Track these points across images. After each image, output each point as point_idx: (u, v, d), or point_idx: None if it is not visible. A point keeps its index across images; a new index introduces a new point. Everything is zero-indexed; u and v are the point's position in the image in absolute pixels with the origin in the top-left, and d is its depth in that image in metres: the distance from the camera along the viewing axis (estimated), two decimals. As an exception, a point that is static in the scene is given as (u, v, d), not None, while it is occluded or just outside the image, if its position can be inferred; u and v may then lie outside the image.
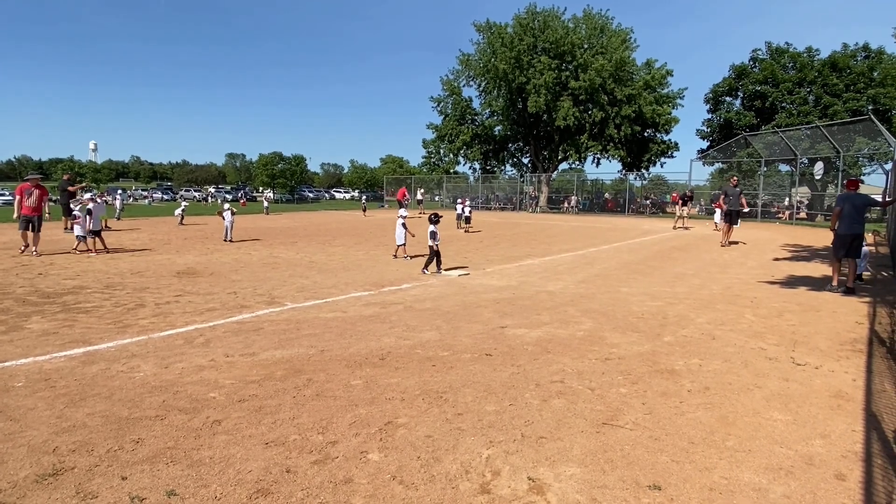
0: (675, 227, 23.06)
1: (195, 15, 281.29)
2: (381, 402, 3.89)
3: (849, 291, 8.51)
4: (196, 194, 63.73)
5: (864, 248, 9.52)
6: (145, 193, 59.15)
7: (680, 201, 24.69)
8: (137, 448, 3.15)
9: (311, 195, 62.83)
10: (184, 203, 25.23)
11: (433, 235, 9.98)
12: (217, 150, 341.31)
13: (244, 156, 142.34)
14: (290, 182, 67.71)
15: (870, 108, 32.38)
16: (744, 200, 17.10)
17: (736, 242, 16.52)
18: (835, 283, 8.89)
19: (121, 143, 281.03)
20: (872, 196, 9.92)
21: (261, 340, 5.41)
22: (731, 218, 16.03)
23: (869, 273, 10.67)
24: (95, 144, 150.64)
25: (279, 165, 68.55)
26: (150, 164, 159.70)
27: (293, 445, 3.21)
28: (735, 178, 18.07)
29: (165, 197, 58.61)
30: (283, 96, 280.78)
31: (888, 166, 26.16)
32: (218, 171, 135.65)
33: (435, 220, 10.32)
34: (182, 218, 21.72)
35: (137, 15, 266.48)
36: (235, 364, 4.67)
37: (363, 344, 5.34)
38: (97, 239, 12.05)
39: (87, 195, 13.17)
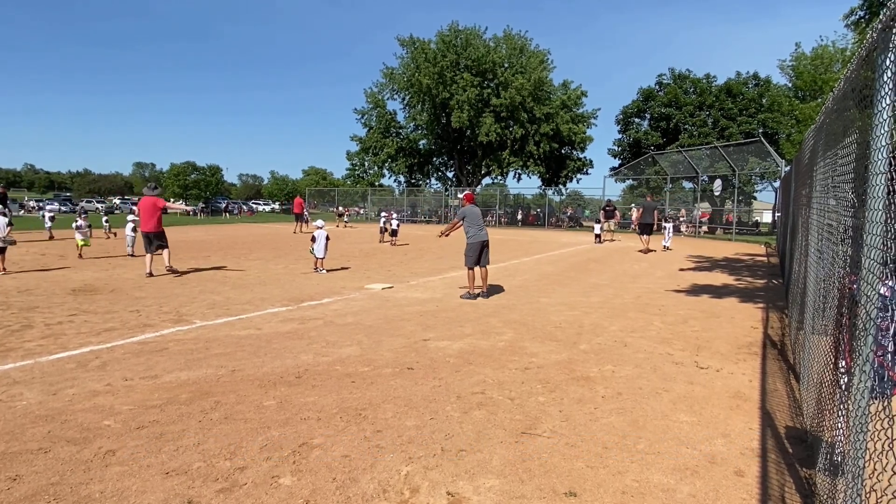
0: (603, 241, 23.97)
1: (98, 11, 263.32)
2: (296, 422, 3.71)
3: (649, 252, 17.65)
4: (99, 206, 59.24)
5: (670, 229, 20.82)
6: (40, 205, 54.15)
7: (603, 214, 25.67)
8: (14, 486, 2.81)
9: (244, 206, 59.93)
10: (79, 219, 21.96)
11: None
12: (124, 158, 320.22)
13: (154, 165, 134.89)
14: (205, 193, 64.57)
15: (760, 130, 35.59)
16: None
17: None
18: (645, 248, 18.00)
19: (11, 149, 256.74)
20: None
21: (165, 362, 5.03)
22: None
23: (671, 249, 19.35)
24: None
25: (192, 175, 65.25)
26: (47, 172, 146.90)
27: (197, 473, 2.98)
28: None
29: (63, 209, 53.91)
30: (198, 104, 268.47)
31: (777, 184, 28.83)
32: (124, 181, 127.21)
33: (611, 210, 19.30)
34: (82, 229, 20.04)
35: (23, 8, 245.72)
36: (135, 388, 4.31)
37: (279, 362, 5.10)
38: None
39: None
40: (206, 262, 13.13)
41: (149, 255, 10.34)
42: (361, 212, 50.58)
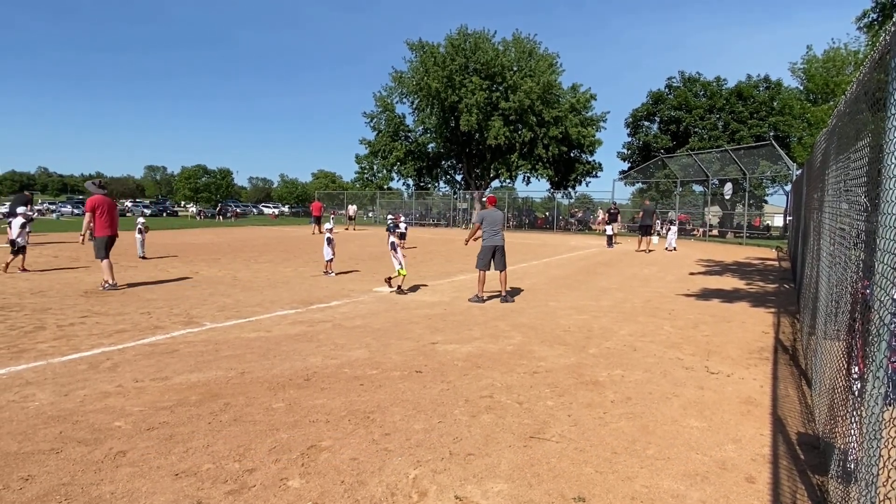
0: (614, 244, 23.83)
1: (111, 16, 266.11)
2: (305, 424, 3.72)
3: (650, 251, 19.45)
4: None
5: (674, 231, 21.83)
6: (53, 207, 54.81)
7: (608, 217, 25.56)
8: (26, 486, 2.83)
9: (236, 209, 60.12)
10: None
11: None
12: (135, 162, 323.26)
13: (165, 168, 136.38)
14: (215, 196, 65.08)
15: (771, 134, 35.30)
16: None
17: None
18: (639, 247, 19.95)
19: (26, 152, 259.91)
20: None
21: (175, 363, 5.07)
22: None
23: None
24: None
25: (203, 179, 65.81)
26: (60, 175, 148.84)
27: (206, 475, 2.99)
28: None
29: (76, 211, 54.49)
30: (208, 107, 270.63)
31: (788, 187, 28.60)
32: (136, 185, 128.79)
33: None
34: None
35: (38, 13, 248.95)
36: (145, 389, 4.34)
37: (287, 364, 5.12)
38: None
39: None
40: (216, 265, 13.23)
41: (107, 262, 9.15)
42: (370, 214, 50.61)
